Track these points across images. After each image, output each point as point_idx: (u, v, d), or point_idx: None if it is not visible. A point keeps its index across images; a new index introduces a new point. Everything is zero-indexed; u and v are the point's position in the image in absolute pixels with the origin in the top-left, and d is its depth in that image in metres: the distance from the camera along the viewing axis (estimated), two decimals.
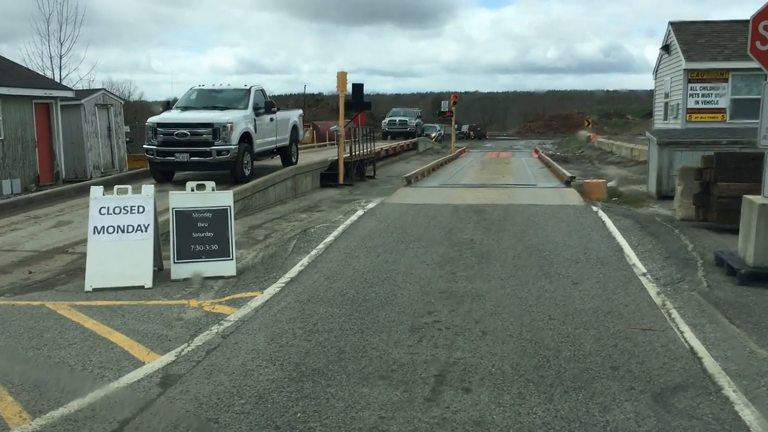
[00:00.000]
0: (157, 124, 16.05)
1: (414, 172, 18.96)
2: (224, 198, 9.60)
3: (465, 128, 70.52)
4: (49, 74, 36.82)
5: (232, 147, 15.57)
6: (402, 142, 38.99)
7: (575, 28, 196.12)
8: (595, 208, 13.12)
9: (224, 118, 15.70)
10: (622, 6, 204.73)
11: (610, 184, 20.84)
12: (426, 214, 12.50)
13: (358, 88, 22.72)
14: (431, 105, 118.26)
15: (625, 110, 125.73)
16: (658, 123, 21.03)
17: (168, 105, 17.89)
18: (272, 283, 8.38)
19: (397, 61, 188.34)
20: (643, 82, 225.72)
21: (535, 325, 6.53)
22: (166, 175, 16.59)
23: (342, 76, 22.31)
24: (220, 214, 9.47)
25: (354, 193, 21.10)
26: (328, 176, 22.79)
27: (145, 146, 16.35)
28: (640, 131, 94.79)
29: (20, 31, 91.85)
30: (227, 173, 16.26)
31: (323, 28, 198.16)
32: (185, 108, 17.04)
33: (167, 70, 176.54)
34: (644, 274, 8.44)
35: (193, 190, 9.54)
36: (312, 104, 79.95)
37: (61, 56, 37.46)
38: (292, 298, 7.62)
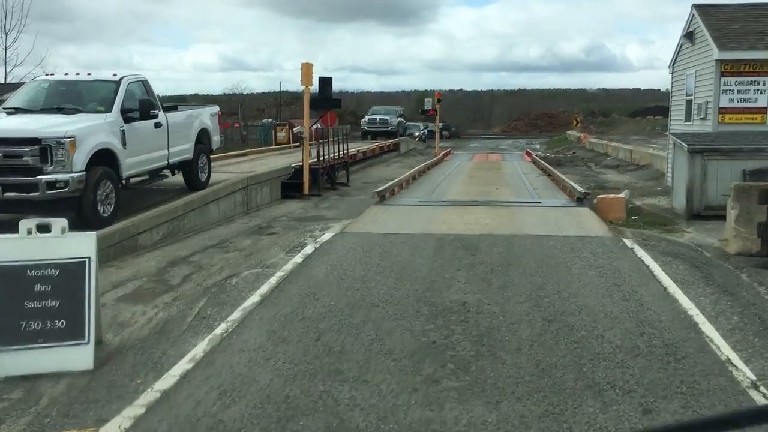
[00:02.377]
0: None
1: (389, 184, 15.41)
2: (80, 245, 6.10)
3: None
4: None
5: (75, 175, 9.45)
6: (382, 143, 35.52)
7: (557, 27, 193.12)
8: (628, 242, 9.62)
9: (61, 129, 9.58)
10: (604, 5, 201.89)
11: (626, 195, 17.46)
12: (399, 254, 8.93)
13: (325, 82, 19.16)
14: (415, 103, 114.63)
15: (611, 109, 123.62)
16: (678, 125, 17.69)
17: None
18: (129, 403, 4.85)
19: (381, 59, 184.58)
20: (626, 80, 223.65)
21: None
22: None
23: (306, 68, 18.75)
24: (71, 272, 5.98)
25: (320, 206, 17.59)
26: (291, 186, 19.21)
27: None
28: (626, 130, 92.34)
29: None
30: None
31: (306, 25, 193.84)
32: (16, 110, 10.99)
33: (149, 66, 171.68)
34: (754, 385, 4.98)
35: (30, 233, 6.03)
36: (291, 101, 76.11)
37: (6, 48, 33.61)
38: None
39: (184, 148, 13.12)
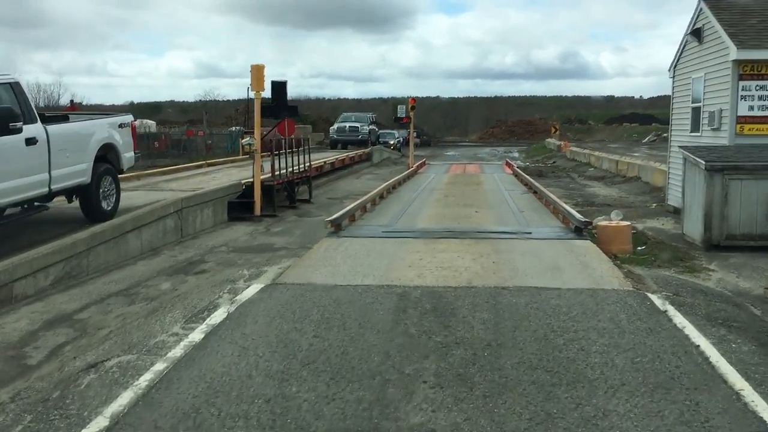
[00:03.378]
0: None
1: (348, 209, 12.69)
2: None
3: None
4: None
5: None
6: (352, 153, 32.95)
7: (532, 35, 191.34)
8: (657, 300, 7.02)
9: None
10: (577, 13, 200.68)
11: (617, 216, 14.99)
12: (343, 325, 6.24)
13: (279, 87, 16.59)
14: (392, 110, 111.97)
15: (587, 116, 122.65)
16: (681, 136, 15.28)
17: None
18: None
19: (358, 66, 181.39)
20: (600, 87, 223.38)
21: None
22: None
23: (257, 71, 16.11)
24: None
25: (271, 230, 14.96)
26: (240, 206, 16.49)
27: None
28: (603, 137, 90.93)
29: None
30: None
31: (281, 32, 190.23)
32: None
33: (125, 73, 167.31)
34: None
35: None
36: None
37: None
38: None
39: (77, 170, 10.02)
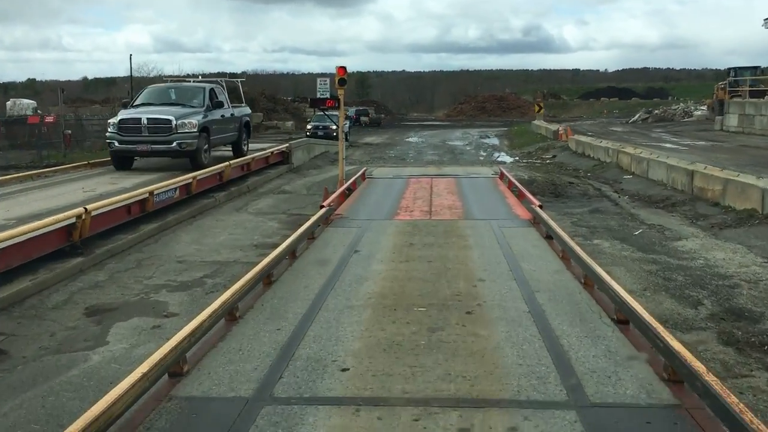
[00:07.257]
0: None
1: None
2: None
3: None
4: None
5: None
6: (243, 159, 18.71)
7: (494, 8, 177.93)
8: None
9: None
10: None
11: None
12: None
13: None
14: (356, 85, 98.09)
15: (559, 90, 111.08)
16: None
17: None
18: None
19: (320, 40, 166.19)
20: (565, 61, 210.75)
21: None
22: None
23: None
24: None
25: None
26: None
27: None
28: (581, 113, 77.74)
29: None
30: None
31: (238, 6, 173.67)
32: None
33: (81, 48, 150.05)
34: None
35: None
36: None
37: None
38: None
39: None
